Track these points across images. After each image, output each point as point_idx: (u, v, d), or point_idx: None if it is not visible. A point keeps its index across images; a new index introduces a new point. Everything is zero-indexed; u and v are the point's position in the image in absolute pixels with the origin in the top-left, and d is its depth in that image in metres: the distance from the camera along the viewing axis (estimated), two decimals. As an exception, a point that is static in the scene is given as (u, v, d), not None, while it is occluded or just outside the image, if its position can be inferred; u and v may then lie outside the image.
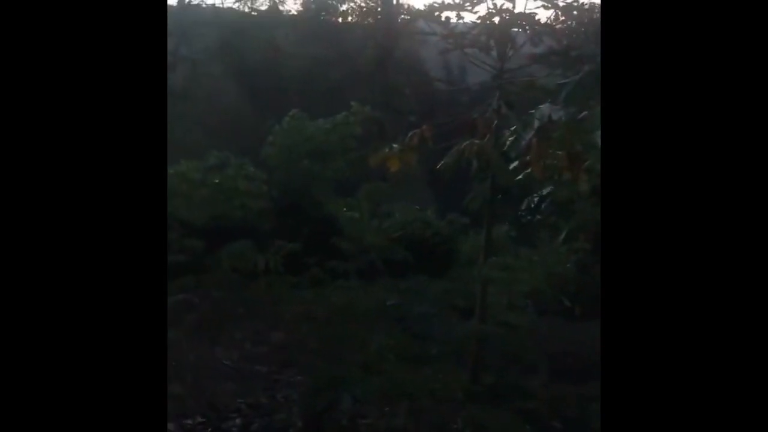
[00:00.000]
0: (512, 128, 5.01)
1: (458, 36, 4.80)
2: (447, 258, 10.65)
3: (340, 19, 17.73)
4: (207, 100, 13.18)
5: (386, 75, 11.84)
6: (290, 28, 16.81)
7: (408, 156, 4.77)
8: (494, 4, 4.55)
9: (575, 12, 4.99)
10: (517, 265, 9.35)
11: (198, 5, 16.45)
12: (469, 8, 4.62)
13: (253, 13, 17.79)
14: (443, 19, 4.80)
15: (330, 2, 17.42)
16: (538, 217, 8.55)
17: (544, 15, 4.78)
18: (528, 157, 4.90)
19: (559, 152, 5.32)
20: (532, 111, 4.48)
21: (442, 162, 4.74)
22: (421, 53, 15.53)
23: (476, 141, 4.63)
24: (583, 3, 4.91)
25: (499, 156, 4.76)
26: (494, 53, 4.89)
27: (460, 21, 4.92)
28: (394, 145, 4.93)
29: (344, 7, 17.88)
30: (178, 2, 15.23)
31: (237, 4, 17.96)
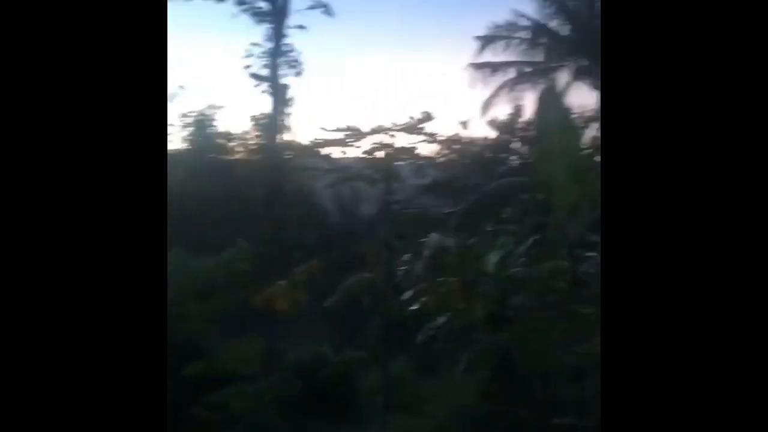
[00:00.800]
0: (403, 259, 4.92)
1: (342, 170, 4.78)
2: (346, 397, 10.12)
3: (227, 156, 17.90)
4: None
5: (274, 210, 11.83)
6: (177, 166, 16.66)
7: (295, 293, 4.51)
8: (379, 140, 4.58)
9: (457, 146, 5.13)
10: (422, 399, 9.09)
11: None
12: (352, 143, 4.64)
13: None
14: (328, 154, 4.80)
15: (217, 141, 17.55)
16: (437, 346, 8.32)
17: (426, 149, 4.88)
18: (421, 287, 4.80)
19: (452, 280, 5.29)
20: (423, 240, 4.42)
21: (331, 299, 4.52)
22: (314, 187, 15.81)
23: (365, 276, 4.47)
24: (462, 137, 5.07)
25: (389, 289, 4.60)
26: (380, 186, 4.89)
27: (345, 155, 4.93)
28: (280, 282, 4.67)
29: (232, 144, 18.03)
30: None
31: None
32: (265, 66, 14.40)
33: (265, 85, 14.59)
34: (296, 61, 15.08)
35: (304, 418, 8.05)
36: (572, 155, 6.36)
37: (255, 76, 14.30)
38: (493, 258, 6.66)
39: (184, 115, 17.47)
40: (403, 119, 4.22)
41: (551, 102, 6.90)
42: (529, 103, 20.59)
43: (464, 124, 21.66)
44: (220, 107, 17.32)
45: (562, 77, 21.57)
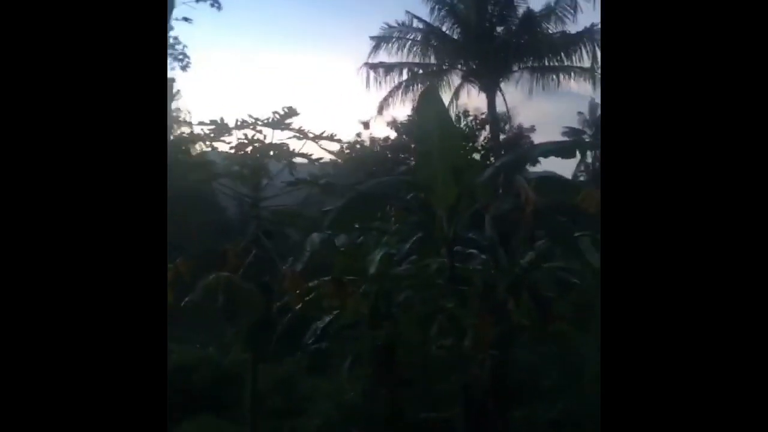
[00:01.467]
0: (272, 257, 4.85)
1: (208, 166, 4.66)
2: (236, 398, 9.91)
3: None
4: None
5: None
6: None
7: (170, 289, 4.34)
8: (245, 135, 4.51)
9: (332, 142, 5.14)
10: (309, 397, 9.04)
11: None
12: (219, 139, 4.52)
13: None
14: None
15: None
16: (324, 345, 8.31)
17: (298, 145, 4.85)
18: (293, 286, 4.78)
19: (327, 279, 5.28)
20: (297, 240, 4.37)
21: (187, 299, 4.39)
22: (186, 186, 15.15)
23: (223, 274, 4.38)
24: (335, 135, 5.07)
25: (252, 288, 4.53)
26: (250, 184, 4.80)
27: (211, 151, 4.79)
28: None
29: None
30: None
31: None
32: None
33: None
34: (183, 54, 14.62)
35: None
36: (451, 156, 6.55)
37: None
38: (375, 257, 6.74)
39: None
40: (267, 114, 4.20)
41: (431, 103, 7.07)
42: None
43: (365, 124, 21.78)
44: None
45: (453, 79, 22.19)
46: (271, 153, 4.42)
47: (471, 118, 20.03)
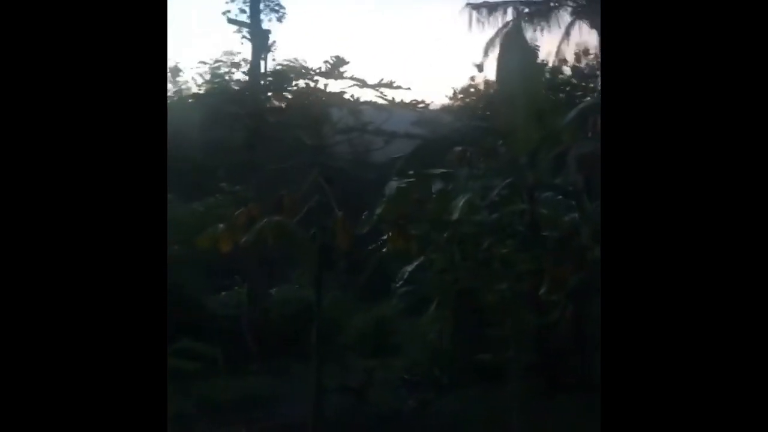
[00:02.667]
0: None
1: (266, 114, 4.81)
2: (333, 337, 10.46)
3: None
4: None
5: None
6: (191, 112, 16.40)
7: (236, 235, 4.64)
8: (306, 83, 4.61)
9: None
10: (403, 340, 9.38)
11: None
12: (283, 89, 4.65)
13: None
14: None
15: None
16: (411, 288, 8.57)
17: (360, 93, 4.87)
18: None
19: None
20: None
21: (244, 239, 4.64)
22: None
23: (275, 219, 4.58)
24: (394, 82, 5.01)
25: (303, 233, 4.72)
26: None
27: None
28: (221, 226, 4.78)
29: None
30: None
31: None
32: (243, 11, 14.26)
33: (245, 31, 14.48)
34: (278, 5, 14.87)
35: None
36: (534, 98, 6.37)
37: (234, 21, 14.11)
38: (458, 203, 6.77)
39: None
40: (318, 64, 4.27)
41: (514, 44, 6.86)
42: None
43: (479, 66, 21.12)
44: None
45: (563, 16, 21.08)
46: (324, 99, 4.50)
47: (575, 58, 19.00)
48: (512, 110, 6.26)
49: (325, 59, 4.39)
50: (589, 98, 14.12)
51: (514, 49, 6.57)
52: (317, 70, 4.42)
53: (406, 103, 5.15)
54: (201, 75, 17.43)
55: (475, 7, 20.50)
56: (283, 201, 4.58)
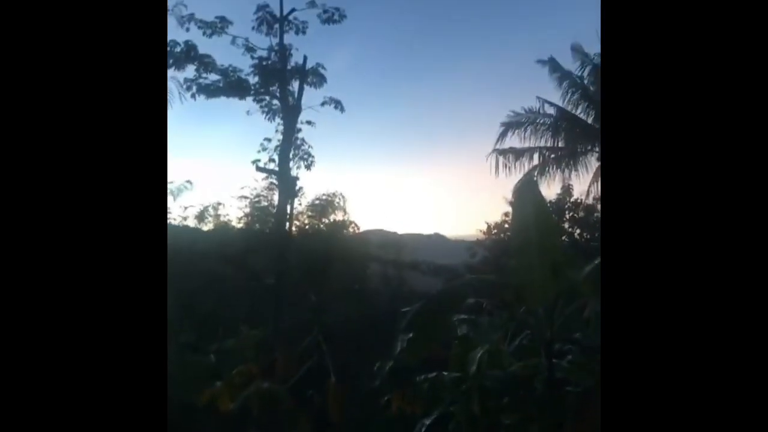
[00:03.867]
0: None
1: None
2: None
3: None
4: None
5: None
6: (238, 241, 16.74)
7: (234, 394, 4.51)
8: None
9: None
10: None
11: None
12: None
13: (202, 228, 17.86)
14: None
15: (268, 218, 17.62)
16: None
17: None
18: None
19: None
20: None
21: (231, 406, 4.50)
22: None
23: (264, 385, 4.46)
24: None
25: (291, 401, 4.57)
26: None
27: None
28: (218, 383, 4.68)
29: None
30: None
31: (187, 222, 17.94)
32: (272, 160, 15.07)
33: (273, 178, 15.22)
34: (307, 153, 15.67)
35: None
36: (550, 252, 6.32)
37: (262, 169, 14.90)
38: (476, 354, 6.58)
39: (185, 208, 17.94)
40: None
41: (528, 195, 6.92)
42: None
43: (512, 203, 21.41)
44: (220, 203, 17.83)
45: (591, 161, 21.54)
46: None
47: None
48: (527, 263, 6.21)
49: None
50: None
51: (527, 201, 6.62)
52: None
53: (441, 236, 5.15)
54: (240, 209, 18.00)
55: (502, 152, 21.11)
56: (276, 364, 4.51)
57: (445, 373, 6.80)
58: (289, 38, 16.08)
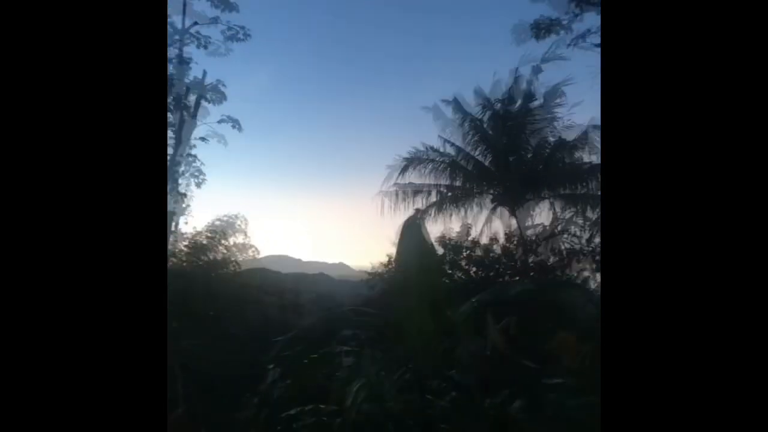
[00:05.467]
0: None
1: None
2: None
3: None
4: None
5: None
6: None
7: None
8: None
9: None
10: None
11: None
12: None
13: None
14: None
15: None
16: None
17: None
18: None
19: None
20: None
21: None
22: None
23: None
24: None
25: None
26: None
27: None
28: None
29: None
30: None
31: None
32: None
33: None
34: (198, 170, 15.30)
35: None
36: (430, 290, 6.37)
37: None
38: (352, 388, 6.47)
39: None
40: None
41: (412, 234, 6.99)
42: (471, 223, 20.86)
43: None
44: None
45: (485, 202, 22.25)
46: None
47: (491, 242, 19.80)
48: (407, 300, 6.23)
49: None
50: (499, 281, 14.45)
51: (410, 240, 6.67)
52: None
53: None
54: None
55: (387, 194, 21.27)
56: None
57: (322, 406, 6.66)
58: (191, 51, 15.74)
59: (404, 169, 21.31)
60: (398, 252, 6.64)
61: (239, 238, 17.63)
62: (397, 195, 21.48)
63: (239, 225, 17.41)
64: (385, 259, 18.53)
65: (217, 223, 16.53)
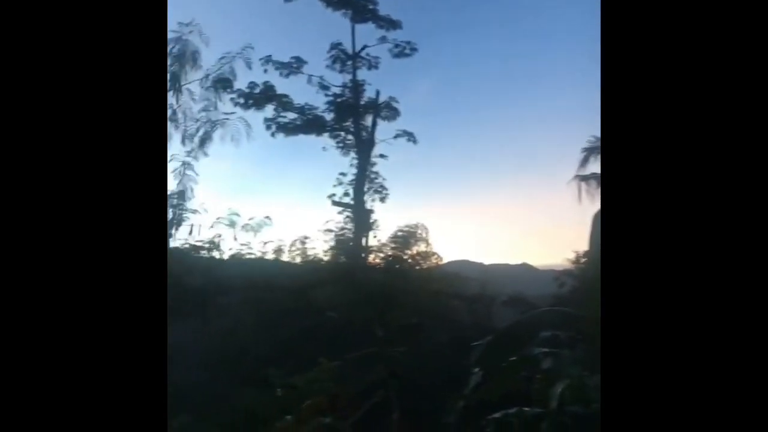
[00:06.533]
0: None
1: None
2: None
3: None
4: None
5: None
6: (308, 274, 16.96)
7: (303, 429, 4.50)
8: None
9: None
10: None
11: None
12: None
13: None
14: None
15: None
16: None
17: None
18: None
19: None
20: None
21: None
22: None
23: (326, 420, 4.41)
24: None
25: None
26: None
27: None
28: (288, 417, 4.66)
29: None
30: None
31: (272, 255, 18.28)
32: (347, 194, 15.35)
33: (349, 212, 15.47)
34: (381, 186, 15.88)
35: None
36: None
37: (337, 203, 15.19)
38: (558, 389, 6.32)
39: (265, 243, 18.24)
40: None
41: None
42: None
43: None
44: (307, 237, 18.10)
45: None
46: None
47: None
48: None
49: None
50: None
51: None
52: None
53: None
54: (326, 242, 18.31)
55: (584, 178, 20.35)
56: (336, 400, 4.49)
57: (526, 409, 6.58)
58: (362, 74, 16.49)
59: (584, 160, 20.16)
60: (591, 245, 6.38)
61: (422, 247, 18.05)
62: (579, 187, 20.33)
63: (420, 234, 17.81)
64: (571, 256, 17.87)
65: (400, 234, 17.05)
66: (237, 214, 15.15)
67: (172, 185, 12.95)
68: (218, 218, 14.74)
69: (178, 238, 14.04)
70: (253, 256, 16.21)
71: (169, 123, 11.10)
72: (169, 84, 10.89)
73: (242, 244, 15.41)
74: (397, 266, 16.33)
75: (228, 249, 15.16)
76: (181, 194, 13.60)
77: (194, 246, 14.11)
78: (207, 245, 14.24)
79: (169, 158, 11.76)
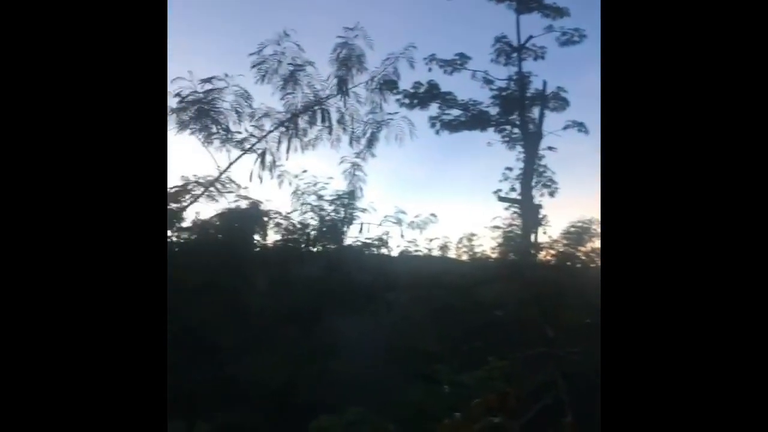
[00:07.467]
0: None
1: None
2: None
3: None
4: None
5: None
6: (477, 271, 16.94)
7: (471, 428, 4.37)
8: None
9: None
10: None
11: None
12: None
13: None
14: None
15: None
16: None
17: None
18: None
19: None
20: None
21: None
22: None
23: (494, 420, 4.18)
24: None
25: None
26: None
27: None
28: (457, 414, 4.55)
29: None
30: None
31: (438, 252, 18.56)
32: (513, 189, 14.94)
33: (516, 207, 15.06)
34: (551, 180, 15.24)
35: None
36: None
37: (504, 199, 14.82)
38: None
39: (431, 240, 18.18)
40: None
41: None
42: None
43: None
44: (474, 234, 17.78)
45: None
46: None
47: None
48: None
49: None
50: None
51: None
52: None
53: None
54: (494, 239, 18.06)
55: None
56: (507, 398, 4.30)
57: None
58: (528, 65, 16.03)
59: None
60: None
61: (596, 243, 17.05)
62: None
63: (594, 229, 16.85)
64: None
65: (572, 230, 16.28)
66: (403, 212, 15.42)
67: (342, 185, 13.43)
68: (386, 216, 15.10)
69: (350, 237, 14.59)
70: (420, 254, 16.38)
71: (337, 126, 11.56)
72: (336, 89, 11.35)
73: (409, 242, 15.65)
74: (569, 263, 15.64)
75: (396, 246, 15.46)
76: (351, 194, 14.10)
77: (365, 243, 14.57)
78: (376, 242, 14.63)
79: (339, 161, 12.24)
